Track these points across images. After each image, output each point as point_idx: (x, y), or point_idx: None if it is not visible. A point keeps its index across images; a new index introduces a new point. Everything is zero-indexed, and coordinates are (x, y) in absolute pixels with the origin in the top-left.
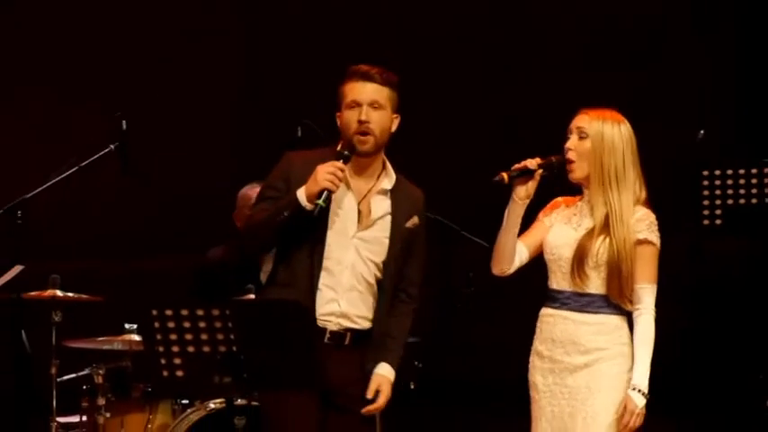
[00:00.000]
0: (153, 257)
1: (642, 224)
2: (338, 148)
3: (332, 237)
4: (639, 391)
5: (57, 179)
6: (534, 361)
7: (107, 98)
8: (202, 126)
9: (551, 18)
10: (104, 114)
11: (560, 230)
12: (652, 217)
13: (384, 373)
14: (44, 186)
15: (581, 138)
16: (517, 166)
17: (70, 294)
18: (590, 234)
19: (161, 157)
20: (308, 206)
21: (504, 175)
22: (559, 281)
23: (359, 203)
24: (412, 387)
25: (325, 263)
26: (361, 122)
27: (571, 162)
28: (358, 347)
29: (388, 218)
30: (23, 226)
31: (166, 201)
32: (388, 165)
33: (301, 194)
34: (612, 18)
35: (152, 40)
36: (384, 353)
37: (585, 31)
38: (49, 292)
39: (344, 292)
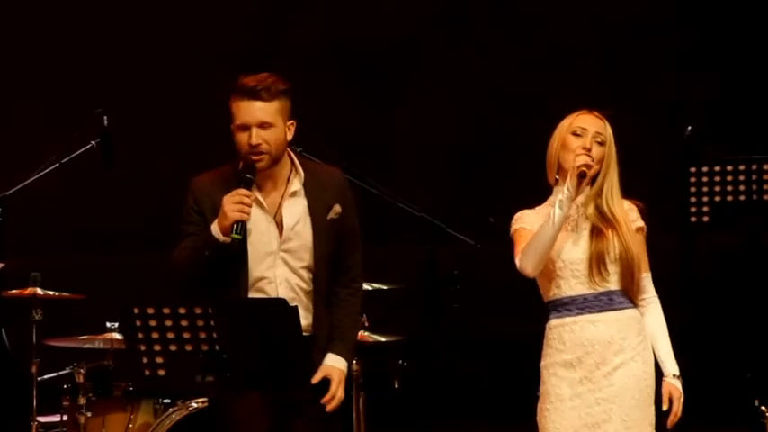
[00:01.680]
0: (134, 256)
1: (633, 213)
2: (240, 166)
3: (256, 258)
4: (676, 376)
5: (37, 176)
6: (558, 372)
7: (90, 94)
8: (189, 123)
9: (537, 16)
10: (87, 110)
11: (560, 236)
12: (633, 205)
13: (331, 363)
14: (25, 183)
15: (599, 143)
16: (585, 162)
17: (51, 292)
18: (598, 232)
19: (144, 153)
20: (226, 240)
21: (585, 169)
22: (573, 286)
23: (274, 217)
24: (396, 386)
25: (257, 284)
26: (251, 146)
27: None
28: (307, 353)
29: (308, 219)
30: (4, 223)
31: (148, 198)
32: (296, 162)
33: (216, 230)
34: (599, 15)
35: (139, 36)
36: (332, 344)
37: (572, 27)
38: (29, 290)
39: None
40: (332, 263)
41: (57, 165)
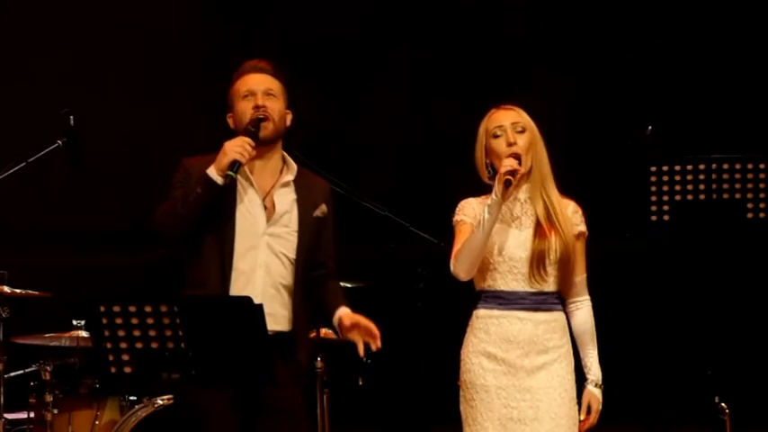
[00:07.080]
0: (101, 253)
1: (577, 216)
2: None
3: (241, 236)
4: (598, 385)
5: (4, 175)
6: (482, 362)
7: (57, 94)
8: (156, 122)
9: (491, 13)
10: (52, 110)
11: (503, 231)
12: (578, 207)
13: (348, 312)
14: None
15: (519, 132)
16: (511, 168)
17: (18, 290)
18: (541, 231)
19: (111, 152)
20: (219, 179)
21: (510, 177)
22: (508, 282)
23: (263, 200)
24: (360, 383)
25: (238, 264)
26: (257, 107)
27: (520, 157)
28: (282, 348)
29: (295, 210)
30: None
31: (116, 196)
32: (289, 158)
33: (211, 170)
34: (556, 12)
35: (106, 35)
36: (335, 300)
37: (527, 24)
38: None
39: (260, 293)
40: (311, 260)
41: (23, 164)
